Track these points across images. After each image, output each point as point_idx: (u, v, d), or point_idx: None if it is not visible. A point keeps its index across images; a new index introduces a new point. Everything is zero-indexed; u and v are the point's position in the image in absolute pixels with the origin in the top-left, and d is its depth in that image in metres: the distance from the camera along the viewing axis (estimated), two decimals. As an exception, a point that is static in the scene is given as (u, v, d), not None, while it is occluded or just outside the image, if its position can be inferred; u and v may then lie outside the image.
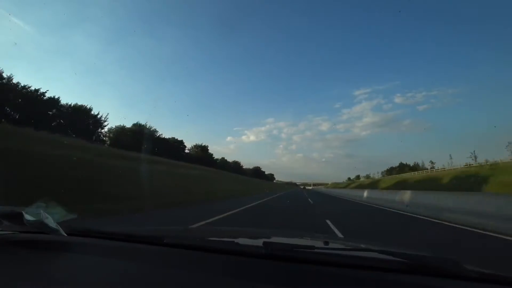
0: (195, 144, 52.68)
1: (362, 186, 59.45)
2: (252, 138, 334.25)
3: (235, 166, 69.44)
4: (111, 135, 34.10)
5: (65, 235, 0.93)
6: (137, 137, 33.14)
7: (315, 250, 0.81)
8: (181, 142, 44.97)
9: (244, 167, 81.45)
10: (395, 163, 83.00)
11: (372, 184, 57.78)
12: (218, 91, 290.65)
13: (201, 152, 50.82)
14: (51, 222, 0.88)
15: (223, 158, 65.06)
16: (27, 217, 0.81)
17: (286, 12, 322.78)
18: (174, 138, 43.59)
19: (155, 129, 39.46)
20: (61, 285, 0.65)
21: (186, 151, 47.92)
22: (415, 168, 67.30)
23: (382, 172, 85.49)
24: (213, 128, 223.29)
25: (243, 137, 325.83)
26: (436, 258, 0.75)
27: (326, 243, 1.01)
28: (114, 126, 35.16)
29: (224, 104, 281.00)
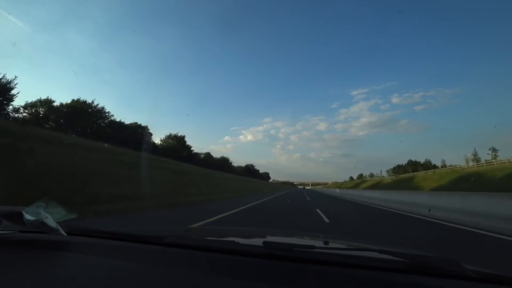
0: (168, 134, 41.88)
1: (380, 186, 44.91)
2: (249, 137, 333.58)
3: (223, 163, 58.37)
4: (31, 111, 23.95)
5: (65, 234, 0.93)
6: (76, 117, 23.89)
7: (315, 249, 0.81)
8: (145, 128, 34.38)
9: (235, 164, 71.01)
10: (394, 163, 78.97)
11: (403, 183, 40.83)
12: (215, 91, 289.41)
13: (177, 144, 40.81)
14: (51, 221, 0.88)
15: (208, 153, 55.01)
16: (27, 216, 0.81)
17: (284, 12, 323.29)
18: (136, 123, 33.73)
19: (103, 107, 28.44)
20: (61, 285, 0.65)
21: (158, 141, 39.00)
22: (426, 166, 61.01)
23: (387, 171, 79.59)
24: (210, 127, 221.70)
25: (241, 137, 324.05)
26: (436, 258, 0.75)
27: (326, 242, 1.01)
28: (36, 100, 24.72)
29: (221, 104, 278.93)
